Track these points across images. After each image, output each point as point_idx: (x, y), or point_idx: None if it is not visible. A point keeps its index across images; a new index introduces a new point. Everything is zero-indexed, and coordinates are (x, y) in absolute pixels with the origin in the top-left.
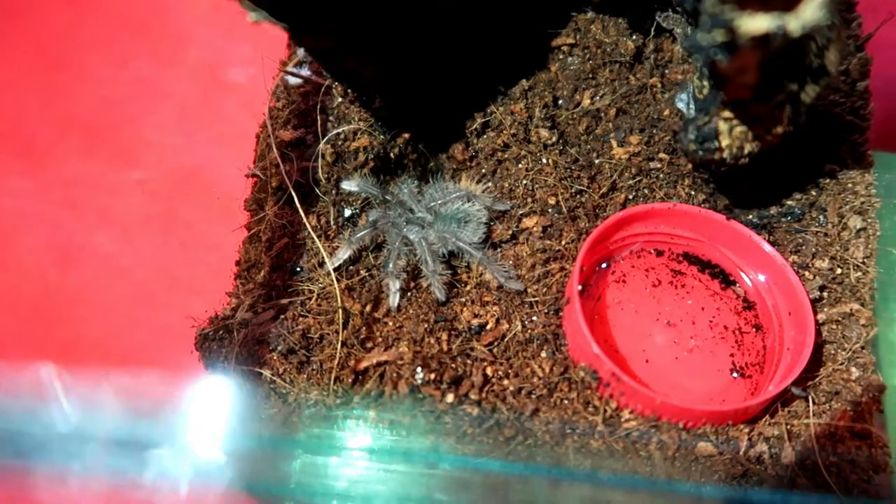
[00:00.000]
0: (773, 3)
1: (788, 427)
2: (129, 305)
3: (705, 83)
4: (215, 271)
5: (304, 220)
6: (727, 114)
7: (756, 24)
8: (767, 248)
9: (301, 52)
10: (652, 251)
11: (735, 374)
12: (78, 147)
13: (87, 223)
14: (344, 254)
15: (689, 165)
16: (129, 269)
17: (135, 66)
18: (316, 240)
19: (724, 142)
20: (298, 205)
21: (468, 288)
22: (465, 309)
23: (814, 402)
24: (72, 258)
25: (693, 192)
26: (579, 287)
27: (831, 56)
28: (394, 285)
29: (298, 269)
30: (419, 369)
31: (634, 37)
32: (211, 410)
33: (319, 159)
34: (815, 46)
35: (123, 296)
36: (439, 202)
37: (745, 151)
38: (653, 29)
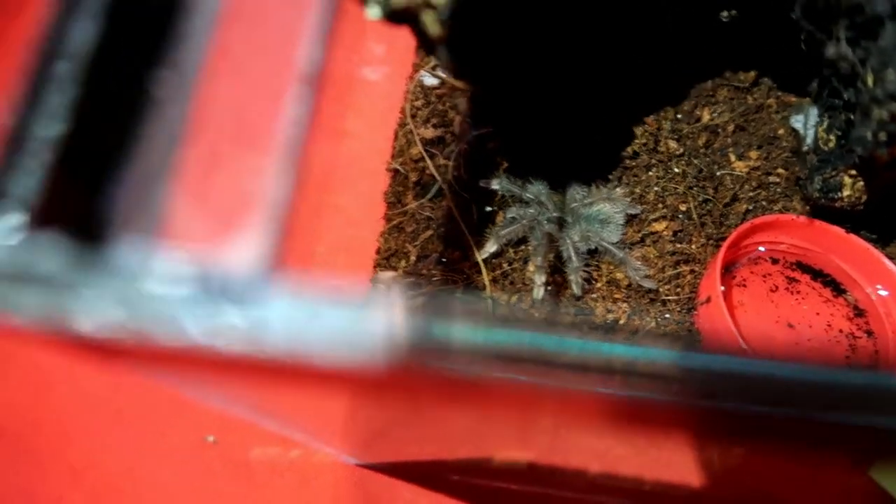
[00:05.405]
0: None
1: None
2: None
3: (832, 137)
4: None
5: (455, 213)
6: (853, 171)
7: None
8: (885, 260)
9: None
10: (768, 259)
11: None
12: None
13: None
14: (492, 247)
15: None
16: None
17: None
18: (466, 233)
19: (846, 193)
20: (450, 199)
21: (598, 285)
22: (597, 304)
23: None
24: None
25: (807, 206)
26: (722, 288)
27: None
28: (539, 279)
29: (443, 259)
30: None
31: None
32: None
33: (460, 158)
34: None
35: None
36: (580, 203)
37: (863, 201)
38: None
